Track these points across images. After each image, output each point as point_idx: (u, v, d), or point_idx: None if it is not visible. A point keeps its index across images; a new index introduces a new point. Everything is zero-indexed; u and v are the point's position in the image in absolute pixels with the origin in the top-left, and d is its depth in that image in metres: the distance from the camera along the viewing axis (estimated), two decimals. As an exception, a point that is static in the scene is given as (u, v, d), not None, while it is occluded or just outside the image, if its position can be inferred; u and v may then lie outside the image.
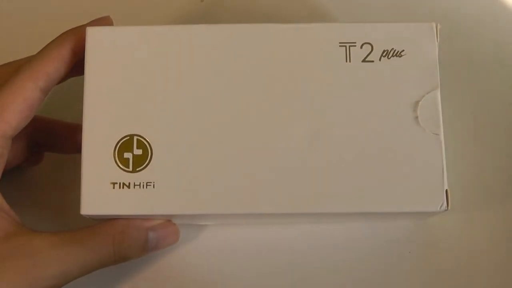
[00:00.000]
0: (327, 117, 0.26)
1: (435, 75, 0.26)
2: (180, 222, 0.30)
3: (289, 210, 0.26)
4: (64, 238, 0.26)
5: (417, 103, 0.26)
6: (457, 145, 0.34)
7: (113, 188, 0.26)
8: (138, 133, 0.26)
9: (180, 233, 0.30)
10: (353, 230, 0.33)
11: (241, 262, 0.32)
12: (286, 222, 0.32)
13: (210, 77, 0.26)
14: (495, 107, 0.35)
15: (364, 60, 0.26)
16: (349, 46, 0.27)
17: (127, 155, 0.26)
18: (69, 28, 0.28)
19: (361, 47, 0.27)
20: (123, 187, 0.26)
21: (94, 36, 0.27)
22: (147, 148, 0.26)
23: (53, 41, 0.27)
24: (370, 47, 0.26)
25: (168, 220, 0.28)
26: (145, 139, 0.26)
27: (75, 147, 0.28)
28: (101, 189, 0.26)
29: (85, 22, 0.27)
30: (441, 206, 0.26)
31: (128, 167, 0.26)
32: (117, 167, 0.26)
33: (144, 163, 0.26)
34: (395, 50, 0.26)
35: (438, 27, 0.27)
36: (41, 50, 0.27)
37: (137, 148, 0.26)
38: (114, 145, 0.26)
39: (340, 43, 0.27)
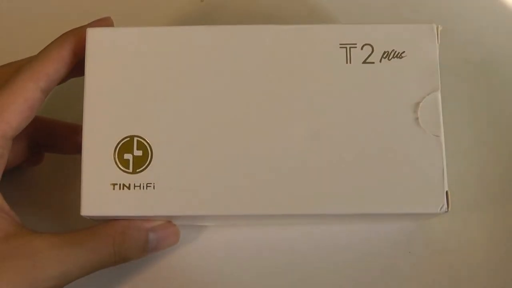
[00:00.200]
0: (327, 118, 0.26)
1: (436, 76, 0.26)
2: (180, 223, 0.30)
3: (289, 211, 0.26)
4: (64, 238, 0.26)
5: (417, 104, 0.26)
6: (458, 146, 0.34)
7: (113, 189, 0.26)
8: (138, 134, 0.26)
9: (180, 234, 0.30)
10: (353, 231, 0.33)
11: (241, 263, 0.32)
12: (286, 223, 0.32)
13: (210, 78, 0.26)
14: (496, 108, 0.35)
15: (364, 61, 0.26)
16: (350, 47, 0.27)
17: (127, 156, 0.26)
18: (70, 29, 0.28)
19: (361, 48, 0.26)
20: (123, 188, 0.26)
21: (95, 37, 0.27)
22: (147, 149, 0.26)
23: (53, 42, 0.27)
24: (370, 48, 0.26)
25: (168, 221, 0.29)
26: (145, 140, 0.26)
27: (75, 148, 0.28)
28: (101, 190, 0.26)
29: (85, 23, 0.27)
30: (441, 208, 0.26)
31: (128, 168, 0.26)
32: (117, 168, 0.26)
33: (144, 164, 0.26)
34: (395, 52, 0.26)
35: (439, 28, 0.27)
36: (41, 51, 0.27)
37: (137, 149, 0.26)
38: (114, 146, 0.26)
39: (340, 44, 0.27)
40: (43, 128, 0.31)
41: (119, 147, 0.26)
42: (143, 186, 0.26)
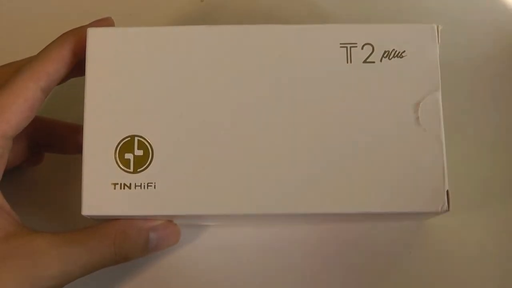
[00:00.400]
0: (327, 117, 0.26)
1: (436, 76, 0.26)
2: (181, 223, 0.30)
3: (290, 210, 0.26)
4: (65, 238, 0.26)
5: (418, 104, 0.26)
6: (458, 146, 0.34)
7: (114, 188, 0.26)
8: (139, 134, 0.26)
9: (181, 233, 0.30)
10: (353, 231, 0.33)
11: (242, 263, 0.32)
12: (286, 223, 0.32)
13: (210, 78, 0.26)
14: (495, 108, 0.35)
15: (365, 61, 0.26)
16: (350, 47, 0.27)
17: (128, 155, 0.26)
18: (70, 29, 0.28)
19: (362, 48, 0.27)
20: (124, 188, 0.26)
21: (95, 37, 0.27)
22: (148, 148, 0.26)
23: (53, 41, 0.27)
24: (371, 48, 0.26)
25: (169, 220, 0.29)
26: (146, 139, 0.26)
27: (76, 148, 0.28)
28: (102, 189, 0.26)
29: (85, 23, 0.27)
30: (442, 207, 0.26)
31: (129, 168, 0.26)
32: (118, 168, 0.26)
33: (145, 164, 0.26)
34: (396, 51, 0.26)
35: (439, 28, 0.27)
36: (41, 51, 0.27)
37: (138, 148, 0.26)
38: (115, 146, 0.26)
39: (341, 44, 0.27)
40: (43, 128, 0.32)
41: (120, 147, 0.26)
42: (144, 185, 0.26)
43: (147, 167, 0.26)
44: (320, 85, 0.26)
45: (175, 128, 0.26)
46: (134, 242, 0.27)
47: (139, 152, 0.26)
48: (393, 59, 0.26)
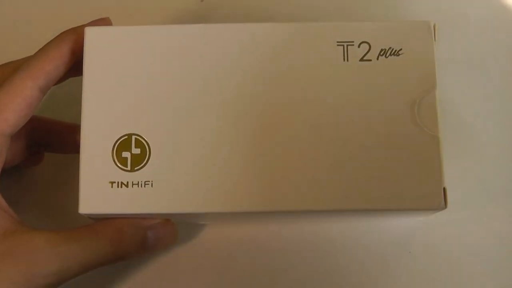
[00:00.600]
0: (324, 116, 0.26)
1: (433, 74, 0.26)
2: (179, 221, 0.30)
3: (287, 208, 0.26)
4: (63, 236, 0.26)
5: (415, 102, 0.26)
6: (457, 145, 0.34)
7: (112, 187, 0.26)
8: (136, 132, 0.26)
9: (178, 233, 0.30)
10: (353, 230, 0.33)
11: (240, 261, 0.32)
12: (284, 221, 0.32)
13: (208, 76, 0.26)
14: (494, 106, 0.35)
15: (361, 59, 0.26)
16: (347, 45, 0.27)
17: (125, 154, 0.26)
18: (68, 28, 0.28)
19: (358, 46, 0.27)
20: (121, 186, 0.26)
21: (93, 36, 0.27)
22: (145, 147, 0.26)
23: (52, 40, 0.27)
24: (367, 46, 0.26)
25: (167, 219, 0.29)
26: (143, 138, 0.26)
27: (74, 147, 0.28)
28: (99, 188, 0.26)
29: (84, 22, 0.28)
30: (439, 205, 0.26)
31: (127, 166, 0.26)
32: (116, 166, 0.26)
33: (142, 162, 0.26)
34: (392, 49, 0.26)
35: (436, 25, 0.27)
36: (40, 50, 0.27)
37: (135, 147, 0.26)
38: (112, 144, 0.26)
39: (337, 42, 0.27)
40: (42, 127, 0.32)
41: (117, 145, 0.26)
42: (141, 184, 0.26)
43: (144, 165, 0.26)
44: (316, 83, 0.26)
45: (172, 126, 0.26)
46: (132, 240, 0.27)
47: (136, 151, 0.26)
48: (389, 57, 0.26)
